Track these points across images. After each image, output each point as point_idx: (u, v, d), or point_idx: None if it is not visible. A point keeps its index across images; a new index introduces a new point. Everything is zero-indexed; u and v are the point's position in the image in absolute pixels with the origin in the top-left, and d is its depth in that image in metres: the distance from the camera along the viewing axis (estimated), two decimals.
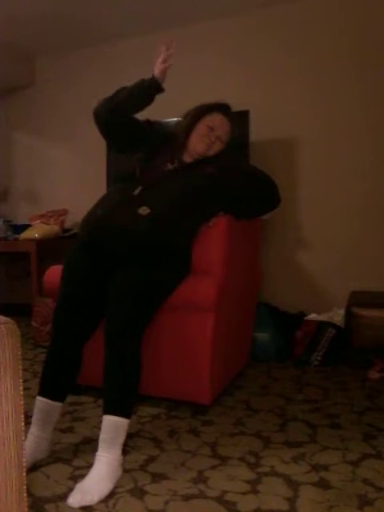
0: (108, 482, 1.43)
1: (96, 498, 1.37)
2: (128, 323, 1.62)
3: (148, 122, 2.00)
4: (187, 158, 1.94)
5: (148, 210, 1.72)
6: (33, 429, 1.62)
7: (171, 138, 1.97)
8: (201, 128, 1.90)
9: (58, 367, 1.68)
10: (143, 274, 1.70)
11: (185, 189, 1.82)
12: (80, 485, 1.40)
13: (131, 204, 1.74)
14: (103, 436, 1.51)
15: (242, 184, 1.97)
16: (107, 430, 1.50)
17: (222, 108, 1.98)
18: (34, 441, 1.59)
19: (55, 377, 1.67)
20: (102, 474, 1.43)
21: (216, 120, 1.92)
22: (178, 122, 2.00)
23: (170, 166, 1.88)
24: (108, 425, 1.50)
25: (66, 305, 1.71)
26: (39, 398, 1.64)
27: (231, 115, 1.99)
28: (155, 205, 1.73)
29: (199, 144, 1.89)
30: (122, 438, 1.51)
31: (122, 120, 1.88)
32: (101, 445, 1.50)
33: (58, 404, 1.65)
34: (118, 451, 1.50)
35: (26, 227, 3.51)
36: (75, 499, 1.35)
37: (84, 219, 1.85)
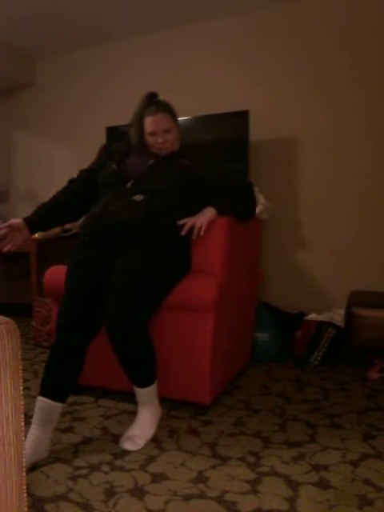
0: (150, 428, 1.75)
1: (145, 439, 1.71)
2: (127, 315, 1.65)
3: (99, 160, 2.09)
4: (161, 152, 2.00)
5: (142, 197, 1.80)
6: (33, 429, 1.62)
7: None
8: (148, 140, 1.98)
9: (61, 367, 1.68)
10: (143, 265, 1.73)
11: (171, 178, 1.89)
12: (127, 433, 1.71)
13: (125, 195, 1.83)
14: (139, 399, 1.77)
15: (215, 177, 2.00)
16: (140, 395, 1.76)
17: (149, 108, 1.98)
18: (34, 441, 1.60)
19: (57, 377, 1.67)
20: (145, 420, 1.75)
21: (151, 124, 1.95)
22: (131, 125, 2.04)
23: (151, 161, 1.95)
24: (140, 393, 1.76)
25: (70, 305, 1.71)
26: (40, 398, 1.64)
27: (160, 102, 2.01)
28: (148, 192, 1.82)
29: (154, 147, 1.98)
30: (155, 395, 1.78)
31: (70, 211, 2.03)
32: (140, 404, 1.77)
33: (58, 404, 1.65)
34: (154, 403, 1.79)
35: None
36: (124, 445, 1.67)
37: (83, 220, 1.92)
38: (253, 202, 2.08)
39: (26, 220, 1.87)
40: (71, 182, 2.07)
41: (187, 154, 2.00)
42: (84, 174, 2.06)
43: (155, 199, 1.82)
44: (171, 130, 1.96)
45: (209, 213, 1.90)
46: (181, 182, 1.90)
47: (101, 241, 1.82)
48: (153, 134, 1.95)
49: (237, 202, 2.01)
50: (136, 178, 1.88)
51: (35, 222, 1.90)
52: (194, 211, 1.92)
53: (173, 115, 1.99)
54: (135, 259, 1.75)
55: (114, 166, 1.95)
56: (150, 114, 1.95)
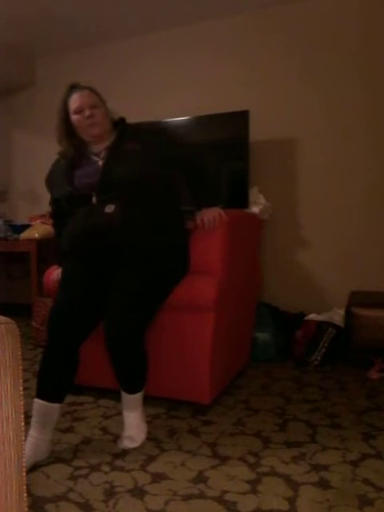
0: (144, 425, 1.76)
1: (142, 437, 1.72)
2: (126, 327, 1.65)
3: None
4: (97, 147, 1.88)
5: (113, 207, 1.73)
6: (32, 431, 1.62)
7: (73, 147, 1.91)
8: (73, 121, 1.83)
9: (55, 369, 1.67)
10: (137, 275, 1.72)
11: (129, 173, 1.77)
12: (122, 435, 1.71)
13: (95, 211, 1.76)
14: (126, 404, 1.75)
15: (165, 148, 1.88)
16: (129, 401, 1.74)
17: (71, 89, 1.86)
18: (34, 443, 1.59)
19: (52, 379, 1.67)
20: (136, 422, 1.73)
21: (75, 100, 1.81)
22: (57, 130, 1.90)
23: (99, 162, 1.84)
24: (128, 398, 1.74)
25: (60, 308, 1.71)
26: (37, 401, 1.64)
27: (81, 85, 1.87)
28: (116, 199, 1.74)
29: (86, 131, 1.83)
30: (140, 402, 1.77)
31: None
32: (126, 409, 1.75)
33: (56, 405, 1.65)
34: (140, 408, 1.76)
35: (25, 227, 3.51)
36: (124, 444, 1.68)
37: (65, 241, 1.88)
38: (217, 188, 2.06)
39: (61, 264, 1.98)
40: (53, 216, 2.04)
41: (134, 136, 1.86)
42: (54, 205, 1.98)
43: (126, 203, 1.74)
44: (98, 107, 1.81)
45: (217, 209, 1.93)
46: (138, 171, 1.78)
47: (87, 256, 1.81)
48: (78, 111, 1.80)
49: (210, 192, 1.98)
50: (96, 190, 1.77)
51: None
52: (170, 193, 1.89)
53: (98, 94, 1.86)
54: (131, 269, 1.73)
55: (68, 188, 1.83)
56: (72, 94, 1.82)
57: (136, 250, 1.76)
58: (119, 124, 1.91)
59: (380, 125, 2.91)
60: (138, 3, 3.11)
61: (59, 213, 1.95)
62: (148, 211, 1.78)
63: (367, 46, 2.93)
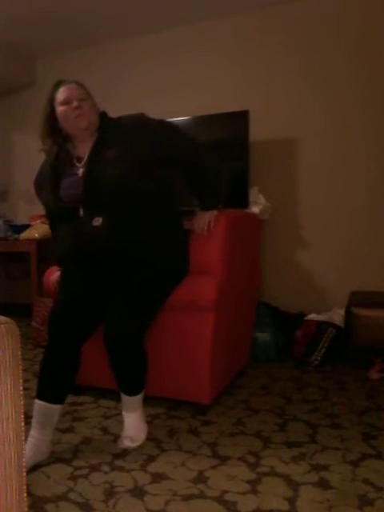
0: (144, 425, 1.77)
1: (143, 437, 1.73)
2: (125, 330, 1.65)
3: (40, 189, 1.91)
4: (81, 149, 1.79)
5: (100, 219, 1.67)
6: (32, 432, 1.62)
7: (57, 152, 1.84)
8: (60, 114, 1.75)
9: (56, 371, 1.67)
10: (135, 279, 1.70)
11: (111, 181, 1.69)
12: (122, 434, 1.72)
13: (83, 225, 1.70)
14: (126, 406, 1.75)
15: (154, 144, 1.77)
16: (128, 402, 1.74)
17: (58, 84, 1.80)
18: (34, 444, 1.59)
19: (53, 380, 1.66)
20: (136, 423, 1.73)
21: (63, 92, 1.75)
22: (41, 126, 1.83)
23: (79, 170, 1.75)
24: (128, 400, 1.74)
25: (60, 309, 1.71)
26: (38, 402, 1.64)
27: (69, 81, 1.80)
28: (103, 211, 1.68)
29: (73, 123, 1.74)
30: (140, 403, 1.77)
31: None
32: (126, 410, 1.75)
33: (57, 406, 1.64)
34: (140, 408, 1.76)
35: (26, 227, 3.51)
36: (125, 443, 1.69)
37: (59, 251, 1.88)
38: (218, 188, 1.97)
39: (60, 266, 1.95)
40: (48, 217, 1.97)
41: (115, 138, 1.75)
42: (46, 209, 1.91)
43: (114, 214, 1.69)
44: (86, 99, 1.74)
45: (212, 213, 1.91)
46: (122, 179, 1.68)
47: (85, 265, 1.79)
48: (66, 102, 1.72)
49: (210, 192, 1.93)
50: (81, 202, 1.71)
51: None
52: (166, 194, 1.82)
53: (85, 88, 1.79)
54: (128, 274, 1.72)
55: (55, 201, 1.77)
56: (60, 86, 1.76)
57: (131, 259, 1.72)
58: (101, 122, 1.80)
59: (380, 125, 2.91)
60: (138, 3, 3.11)
61: (52, 216, 1.91)
62: (140, 219, 1.71)
63: (367, 45, 2.93)
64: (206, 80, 3.37)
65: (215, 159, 2.00)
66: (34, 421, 1.63)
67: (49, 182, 1.80)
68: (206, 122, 3.14)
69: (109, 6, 3.15)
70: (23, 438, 0.82)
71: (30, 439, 1.60)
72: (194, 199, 1.97)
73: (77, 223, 1.73)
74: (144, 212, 1.72)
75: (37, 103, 4.53)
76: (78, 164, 1.77)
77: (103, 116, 1.82)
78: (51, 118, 1.78)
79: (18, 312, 3.58)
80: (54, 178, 1.79)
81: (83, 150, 1.78)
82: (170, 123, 1.91)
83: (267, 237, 3.16)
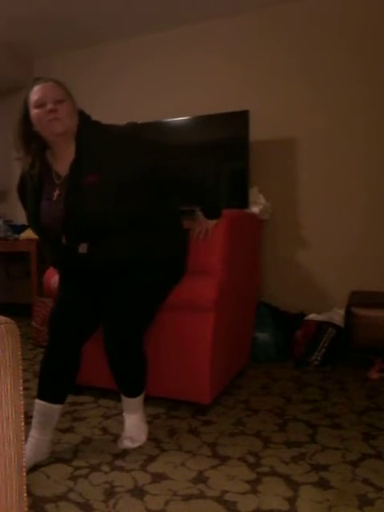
0: (145, 426, 1.76)
1: (143, 438, 1.72)
2: (125, 332, 1.66)
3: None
4: (59, 162, 1.64)
5: (86, 246, 1.62)
6: (33, 432, 1.62)
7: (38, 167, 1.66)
8: (33, 117, 1.57)
9: (56, 370, 1.66)
10: (132, 283, 1.69)
11: (92, 212, 1.57)
12: (122, 435, 1.71)
13: (69, 252, 1.65)
14: (126, 407, 1.74)
15: (140, 168, 1.62)
16: (129, 404, 1.74)
17: (33, 82, 1.61)
18: (34, 444, 1.59)
19: (53, 380, 1.66)
20: (136, 424, 1.73)
21: (36, 94, 1.56)
22: (14, 132, 1.64)
23: (55, 192, 1.63)
24: (128, 402, 1.74)
25: (60, 309, 1.70)
26: (38, 402, 1.63)
27: (46, 78, 1.62)
28: (87, 238, 1.62)
29: (47, 128, 1.56)
30: (141, 404, 1.76)
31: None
32: (126, 411, 1.75)
33: (57, 406, 1.64)
34: (140, 409, 1.76)
35: (26, 227, 3.51)
36: (125, 444, 1.68)
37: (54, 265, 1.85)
38: (216, 201, 1.92)
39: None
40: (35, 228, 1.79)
41: (93, 161, 1.59)
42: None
43: (100, 239, 1.61)
44: (63, 102, 1.56)
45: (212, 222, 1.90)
46: (102, 209, 1.57)
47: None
48: (39, 104, 1.54)
49: (214, 205, 1.89)
50: (63, 231, 1.62)
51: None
52: (160, 198, 1.72)
53: (65, 88, 1.60)
54: (126, 280, 1.69)
55: (37, 221, 1.67)
56: (34, 85, 1.57)
57: (126, 271, 1.68)
58: (81, 128, 1.62)
59: (380, 124, 2.92)
60: (138, 3, 3.11)
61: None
62: (128, 239, 1.63)
63: (367, 45, 2.93)
64: (206, 80, 3.37)
65: (205, 173, 1.89)
66: (34, 421, 1.63)
67: (30, 197, 1.68)
68: (206, 122, 3.14)
69: (109, 6, 3.15)
70: (23, 438, 0.82)
71: (30, 439, 1.60)
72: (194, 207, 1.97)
73: (61, 248, 1.66)
74: (132, 233, 1.63)
75: None
76: (56, 180, 1.64)
77: (84, 120, 1.65)
78: (25, 122, 1.59)
79: (18, 312, 3.59)
80: (35, 195, 1.66)
81: (62, 164, 1.63)
82: (159, 143, 1.76)
83: (267, 237, 3.16)
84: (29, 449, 1.57)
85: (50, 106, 1.53)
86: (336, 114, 3.02)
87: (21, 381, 0.81)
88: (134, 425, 1.73)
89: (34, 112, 1.56)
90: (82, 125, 1.63)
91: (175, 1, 3.09)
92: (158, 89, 3.52)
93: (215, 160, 3.12)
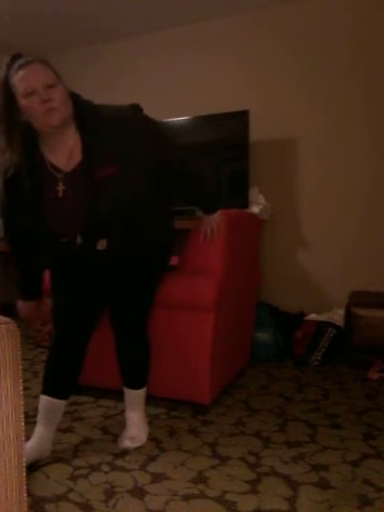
0: (145, 432, 1.74)
1: (144, 438, 1.71)
2: (137, 327, 1.73)
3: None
4: (55, 152, 1.47)
5: (105, 242, 1.55)
6: (39, 427, 1.62)
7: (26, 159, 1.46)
8: (25, 108, 1.38)
9: (63, 365, 1.67)
10: (142, 280, 1.71)
11: (113, 209, 1.49)
12: (123, 435, 1.71)
13: (86, 250, 1.56)
14: (130, 402, 1.75)
15: (147, 156, 1.54)
16: (134, 397, 1.75)
17: (14, 61, 1.38)
18: (40, 438, 1.60)
19: (60, 375, 1.66)
20: (138, 423, 1.73)
21: (23, 79, 1.35)
22: None
23: (59, 188, 1.48)
24: (134, 395, 1.75)
25: (68, 303, 1.68)
26: (44, 397, 1.63)
27: (29, 57, 1.40)
28: (105, 235, 1.54)
29: (41, 120, 1.39)
30: (143, 401, 1.77)
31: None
32: (128, 408, 1.76)
33: (62, 402, 1.65)
34: (142, 407, 1.77)
35: None
36: (125, 443, 1.67)
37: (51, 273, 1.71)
38: (214, 194, 1.91)
39: (27, 297, 1.77)
40: (12, 238, 1.64)
41: (105, 151, 1.46)
42: (14, 226, 1.60)
43: (118, 234, 1.55)
44: (55, 86, 1.37)
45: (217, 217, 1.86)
46: (124, 204, 1.50)
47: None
48: (30, 92, 1.35)
49: (208, 199, 1.84)
50: (80, 232, 1.52)
51: (33, 290, 1.76)
52: (161, 199, 1.69)
53: (52, 69, 1.41)
54: (136, 277, 1.70)
55: (43, 228, 1.52)
56: (18, 70, 1.36)
57: (140, 262, 1.70)
58: (80, 121, 1.47)
59: (380, 124, 2.91)
60: (138, 3, 3.11)
61: (21, 238, 1.62)
62: (143, 232, 1.62)
63: (367, 45, 2.93)
64: (206, 80, 3.37)
65: (201, 162, 1.91)
66: (39, 417, 1.63)
67: (30, 196, 1.48)
68: (206, 122, 3.14)
69: (109, 6, 3.15)
70: (23, 438, 0.82)
71: (35, 434, 1.60)
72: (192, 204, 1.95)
73: (74, 249, 1.56)
74: (146, 222, 1.62)
75: None
76: (57, 174, 1.48)
77: (79, 103, 1.48)
78: (9, 110, 1.39)
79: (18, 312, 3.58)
80: (34, 198, 1.48)
81: (59, 155, 1.47)
82: (159, 129, 1.67)
83: (267, 237, 3.16)
84: (34, 442, 1.58)
85: (43, 96, 1.35)
86: (336, 114, 3.02)
87: (21, 381, 0.81)
88: (135, 425, 1.73)
89: (23, 103, 1.37)
90: (78, 109, 1.47)
91: (175, 1, 3.09)
92: (158, 89, 3.51)
93: (215, 160, 3.12)
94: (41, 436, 1.61)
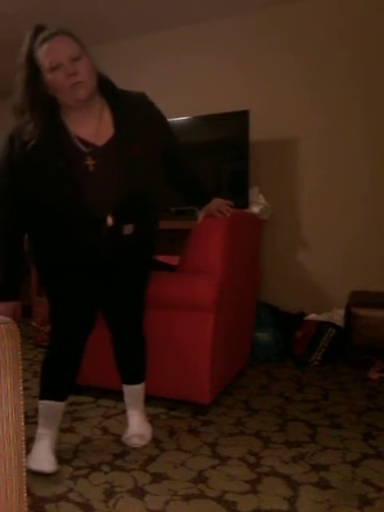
0: (149, 425, 1.77)
1: (149, 436, 1.72)
2: (135, 322, 1.74)
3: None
4: (81, 124, 1.43)
5: (131, 227, 1.50)
6: (46, 430, 1.59)
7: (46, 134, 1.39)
8: (51, 83, 1.35)
9: (64, 368, 1.63)
10: (142, 272, 1.72)
11: (145, 187, 1.48)
12: (129, 433, 1.70)
13: (114, 234, 1.48)
14: (132, 399, 1.76)
15: (160, 142, 1.57)
16: (134, 393, 1.76)
17: (40, 36, 1.36)
18: (52, 436, 1.58)
19: (61, 376, 1.63)
20: (141, 420, 1.74)
21: (48, 53, 1.34)
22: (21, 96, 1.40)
23: (87, 162, 1.41)
24: (134, 390, 1.76)
25: (72, 307, 1.60)
26: (45, 402, 1.59)
27: (56, 28, 1.39)
28: (133, 218, 1.51)
29: (69, 93, 1.35)
30: (143, 397, 1.78)
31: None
32: (129, 406, 1.76)
33: (63, 403, 1.63)
34: (142, 405, 1.78)
35: None
36: (134, 441, 1.68)
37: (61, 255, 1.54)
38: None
39: (5, 296, 1.50)
40: (11, 219, 1.48)
41: (134, 131, 1.46)
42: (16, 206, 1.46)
43: (141, 219, 1.53)
44: (81, 58, 1.35)
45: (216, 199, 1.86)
46: (152, 184, 1.52)
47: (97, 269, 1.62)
48: (55, 67, 1.32)
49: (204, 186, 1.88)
50: (113, 211, 1.44)
51: (13, 288, 1.52)
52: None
53: (78, 40, 1.38)
54: (135, 270, 1.69)
55: (79, 205, 1.41)
56: (43, 43, 1.34)
57: (137, 256, 1.68)
58: (107, 97, 1.47)
59: (380, 124, 2.91)
60: (138, 4, 3.11)
61: (21, 220, 1.48)
62: (154, 219, 1.64)
63: (367, 46, 2.93)
64: (206, 80, 3.37)
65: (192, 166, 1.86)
66: (43, 421, 1.59)
67: (62, 175, 1.38)
68: (205, 122, 3.14)
69: (108, 7, 3.15)
70: (23, 438, 0.82)
71: (45, 437, 1.57)
72: (194, 195, 1.92)
73: (105, 233, 1.45)
74: (156, 210, 1.64)
75: None
76: (84, 148, 1.40)
77: (103, 76, 1.47)
78: (33, 82, 1.36)
79: None
80: (70, 174, 1.37)
81: (86, 128, 1.42)
82: (166, 119, 1.68)
83: (267, 237, 3.16)
84: (48, 444, 1.56)
85: (68, 69, 1.32)
86: (336, 114, 3.02)
87: (21, 381, 0.81)
88: (139, 423, 1.74)
89: (48, 77, 1.34)
90: (103, 84, 1.45)
91: (175, 1, 3.09)
92: (158, 89, 3.50)
93: (215, 160, 3.12)
94: (51, 437, 1.58)
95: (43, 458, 1.52)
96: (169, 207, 3.00)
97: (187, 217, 2.68)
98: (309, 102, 3.08)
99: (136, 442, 1.69)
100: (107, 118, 1.45)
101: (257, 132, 3.07)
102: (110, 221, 1.44)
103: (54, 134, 1.40)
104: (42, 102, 1.38)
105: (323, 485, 1.43)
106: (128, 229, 1.49)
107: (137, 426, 1.74)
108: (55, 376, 1.63)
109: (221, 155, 3.11)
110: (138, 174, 1.45)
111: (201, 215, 1.91)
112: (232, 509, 1.32)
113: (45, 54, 1.34)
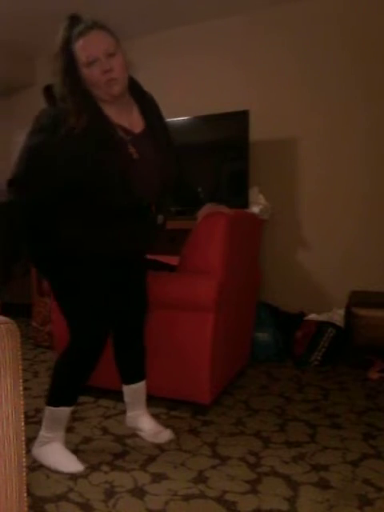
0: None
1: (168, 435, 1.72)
2: (143, 322, 1.78)
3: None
4: (121, 113, 1.46)
5: (162, 217, 1.57)
6: (52, 433, 1.58)
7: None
8: (87, 77, 1.38)
9: (83, 370, 1.57)
10: (141, 271, 1.76)
11: (173, 172, 1.56)
12: (153, 430, 1.72)
13: (152, 224, 1.53)
14: (135, 401, 1.76)
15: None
16: (137, 393, 1.75)
17: (76, 29, 1.41)
18: (61, 441, 1.59)
19: (78, 382, 1.59)
20: (150, 417, 1.77)
21: (84, 47, 1.36)
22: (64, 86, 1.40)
23: (133, 151, 1.43)
24: (132, 391, 1.75)
25: (99, 318, 1.55)
26: (61, 409, 1.55)
27: (88, 21, 1.48)
28: (163, 207, 1.57)
29: (104, 89, 1.38)
30: (145, 394, 1.78)
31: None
32: (137, 406, 1.77)
33: (73, 407, 1.63)
34: (145, 404, 1.78)
35: None
36: (165, 435, 1.70)
37: (104, 243, 1.49)
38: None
39: None
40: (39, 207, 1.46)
41: (157, 121, 1.56)
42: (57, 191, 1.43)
43: (167, 212, 1.60)
44: (116, 54, 1.39)
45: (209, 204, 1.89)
46: (176, 170, 1.60)
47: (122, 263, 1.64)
48: (92, 61, 1.35)
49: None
50: (155, 198, 1.49)
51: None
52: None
53: (113, 35, 1.44)
54: (141, 269, 1.76)
55: (127, 194, 1.42)
56: (79, 37, 1.37)
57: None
58: (134, 95, 1.53)
59: (380, 124, 2.91)
60: (138, 3, 3.11)
61: (51, 209, 1.45)
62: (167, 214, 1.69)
63: (367, 46, 2.93)
64: (206, 80, 3.37)
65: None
66: (57, 426, 1.57)
67: (108, 162, 1.37)
68: (205, 122, 3.14)
69: (108, 7, 3.15)
70: (23, 438, 0.82)
71: (60, 441, 1.58)
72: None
73: (147, 222, 1.48)
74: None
75: (37, 103, 4.51)
76: (126, 137, 1.42)
77: (130, 79, 1.51)
78: (72, 75, 1.37)
79: (18, 312, 3.59)
80: (119, 162, 1.38)
81: (126, 117, 1.46)
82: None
83: (267, 237, 3.16)
84: (62, 445, 1.57)
85: (104, 65, 1.35)
86: (336, 114, 3.02)
87: (21, 381, 0.81)
88: (151, 419, 1.77)
89: (84, 71, 1.36)
90: (129, 80, 1.48)
91: (175, 1, 3.09)
92: (158, 89, 3.49)
93: (215, 160, 3.12)
94: (62, 438, 1.59)
95: (68, 458, 1.55)
96: (169, 207, 3.00)
97: (187, 217, 2.67)
98: (309, 102, 3.08)
99: (166, 436, 1.72)
100: (136, 112, 1.52)
101: (257, 132, 3.07)
102: (153, 208, 1.49)
103: (99, 122, 1.42)
104: (81, 91, 1.40)
105: (323, 485, 1.43)
106: (160, 219, 1.54)
107: (154, 422, 1.76)
108: (73, 381, 1.58)
109: (221, 155, 3.11)
110: (169, 165, 1.53)
111: (199, 216, 1.91)
112: (232, 509, 1.32)
113: (81, 49, 1.36)
